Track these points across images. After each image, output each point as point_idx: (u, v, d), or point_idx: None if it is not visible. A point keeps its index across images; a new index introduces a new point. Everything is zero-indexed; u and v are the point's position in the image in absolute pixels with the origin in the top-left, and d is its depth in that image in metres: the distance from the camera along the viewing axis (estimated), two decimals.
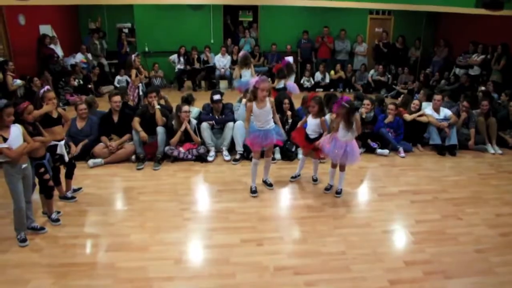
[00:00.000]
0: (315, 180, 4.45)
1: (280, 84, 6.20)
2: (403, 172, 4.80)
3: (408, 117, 5.59)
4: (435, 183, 4.49)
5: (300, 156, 4.83)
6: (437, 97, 5.69)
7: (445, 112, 5.67)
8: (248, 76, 6.38)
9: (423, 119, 5.57)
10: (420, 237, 3.35)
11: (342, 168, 4.06)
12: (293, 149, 5.15)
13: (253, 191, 4.10)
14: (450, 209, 3.86)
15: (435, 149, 5.53)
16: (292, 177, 4.50)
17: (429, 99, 6.17)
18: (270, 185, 4.27)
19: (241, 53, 6.96)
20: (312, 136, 4.25)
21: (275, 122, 3.98)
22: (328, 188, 4.20)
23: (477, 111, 5.83)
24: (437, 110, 5.66)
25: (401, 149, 5.37)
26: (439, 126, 5.50)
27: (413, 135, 5.61)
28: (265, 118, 3.88)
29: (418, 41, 9.95)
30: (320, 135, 4.20)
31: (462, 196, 4.17)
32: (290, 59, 9.59)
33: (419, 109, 5.70)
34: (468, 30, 9.12)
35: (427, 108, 5.73)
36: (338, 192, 4.11)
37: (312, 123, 4.23)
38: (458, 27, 9.58)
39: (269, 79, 6.31)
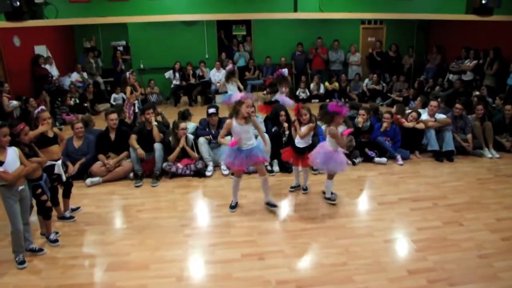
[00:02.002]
0: (304, 189, 4.46)
1: (274, 97, 6.25)
2: (402, 180, 4.80)
3: (407, 124, 5.60)
4: (434, 190, 4.49)
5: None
6: (433, 103, 5.71)
7: (440, 116, 5.70)
8: (233, 90, 6.42)
9: (420, 126, 5.59)
10: (422, 244, 3.33)
11: (330, 177, 4.09)
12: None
13: (232, 207, 4.06)
14: (450, 215, 3.85)
15: (433, 156, 5.54)
16: (292, 187, 4.50)
17: (425, 106, 6.21)
18: (274, 206, 4.01)
19: (227, 68, 7.04)
20: (301, 146, 4.17)
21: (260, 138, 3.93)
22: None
23: (473, 116, 5.87)
24: (432, 116, 5.68)
25: (399, 157, 5.38)
26: (437, 126, 5.52)
27: (410, 142, 5.62)
28: (245, 135, 3.73)
29: (411, 48, 10.07)
30: (310, 144, 4.19)
31: (461, 202, 4.16)
32: (284, 71, 9.65)
33: (417, 120, 5.69)
34: (460, 36, 9.25)
35: (423, 115, 5.76)
36: (327, 198, 4.19)
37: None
38: (449, 34, 9.71)
39: (265, 91, 6.37)
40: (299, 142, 4.19)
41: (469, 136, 5.64)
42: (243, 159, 3.74)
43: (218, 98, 9.72)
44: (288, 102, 6.13)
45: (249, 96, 3.76)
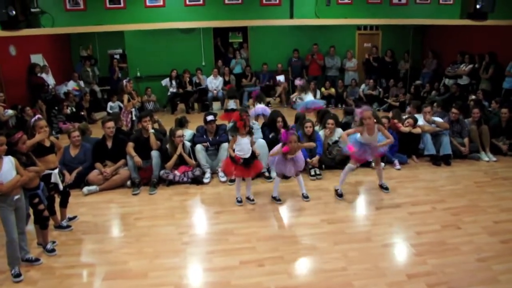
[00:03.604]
0: (306, 197, 4.37)
1: (231, 105, 6.56)
2: (400, 184, 4.80)
3: (404, 129, 5.61)
4: (432, 194, 4.49)
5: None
6: (426, 109, 5.73)
7: (437, 119, 5.72)
8: (310, 98, 6.50)
9: (417, 130, 5.60)
10: (421, 249, 3.32)
11: (297, 174, 4.31)
12: None
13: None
14: (449, 219, 3.85)
15: (430, 160, 5.55)
16: (276, 199, 4.37)
17: (419, 110, 6.24)
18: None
19: (299, 83, 7.04)
20: (244, 156, 4.12)
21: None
22: (279, 199, 4.35)
23: (469, 120, 5.89)
24: (428, 121, 5.70)
25: (396, 162, 5.39)
26: (434, 131, 5.54)
27: (408, 147, 5.62)
28: (374, 142, 4.19)
29: (406, 54, 10.13)
30: (253, 153, 4.21)
31: (460, 205, 4.16)
32: (281, 78, 9.71)
33: (413, 126, 5.68)
34: (455, 41, 9.33)
35: (419, 120, 5.78)
36: (306, 197, 4.37)
37: (242, 143, 4.13)
38: (445, 39, 9.80)
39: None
40: (240, 154, 4.12)
41: (466, 140, 5.66)
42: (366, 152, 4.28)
43: (216, 105, 9.74)
44: (264, 109, 6.17)
45: (366, 109, 4.08)
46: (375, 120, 4.08)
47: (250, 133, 4.21)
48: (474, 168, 5.34)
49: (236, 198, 4.35)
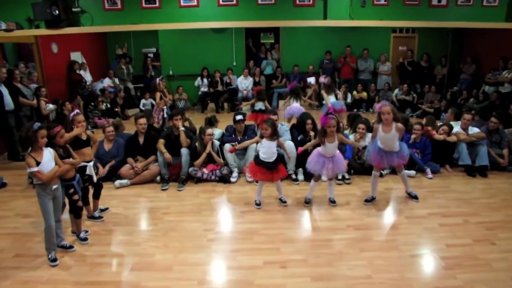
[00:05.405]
0: (333, 202, 4.33)
1: (258, 105, 6.42)
2: (431, 194, 4.64)
3: (438, 136, 5.42)
4: (465, 206, 4.31)
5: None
6: (467, 116, 5.49)
7: (474, 131, 5.49)
8: (333, 100, 6.51)
9: (452, 138, 5.40)
10: (451, 262, 3.20)
11: (330, 178, 4.26)
12: None
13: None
14: (482, 233, 3.68)
15: (465, 170, 5.32)
16: (306, 202, 4.36)
17: (457, 118, 6.00)
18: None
19: (325, 80, 6.99)
20: (268, 160, 4.12)
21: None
22: (308, 202, 4.31)
23: (510, 130, 5.60)
24: (465, 129, 5.48)
25: (428, 170, 5.21)
26: (470, 140, 5.32)
27: (441, 156, 5.41)
28: (391, 143, 4.05)
29: (444, 58, 9.76)
30: (279, 157, 4.18)
31: (495, 220, 3.96)
32: (312, 80, 9.62)
33: (449, 134, 5.48)
34: (498, 45, 8.84)
35: (455, 128, 5.56)
36: (333, 201, 4.31)
37: (267, 146, 4.11)
38: (486, 43, 9.30)
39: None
40: (264, 157, 4.12)
41: (505, 151, 5.38)
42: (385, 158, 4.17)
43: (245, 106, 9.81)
44: (300, 110, 6.18)
45: (384, 104, 4.00)
46: (393, 117, 3.93)
47: (276, 135, 4.16)
48: None
49: (255, 201, 4.34)
